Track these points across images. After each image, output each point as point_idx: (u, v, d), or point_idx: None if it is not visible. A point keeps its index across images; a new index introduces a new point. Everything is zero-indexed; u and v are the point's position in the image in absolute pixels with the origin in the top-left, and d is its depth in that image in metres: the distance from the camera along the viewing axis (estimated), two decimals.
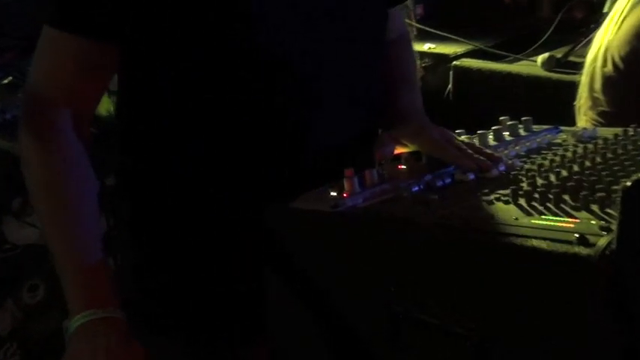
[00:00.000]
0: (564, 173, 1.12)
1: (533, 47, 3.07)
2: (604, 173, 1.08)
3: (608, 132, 1.33)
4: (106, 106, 2.08)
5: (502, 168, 1.20)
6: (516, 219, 0.98)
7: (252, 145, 1.25)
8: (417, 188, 1.15)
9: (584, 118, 2.14)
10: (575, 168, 1.14)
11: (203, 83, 1.22)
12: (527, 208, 1.02)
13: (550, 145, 1.31)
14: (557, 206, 1.01)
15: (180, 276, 1.32)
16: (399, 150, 1.31)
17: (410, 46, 1.55)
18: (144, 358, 1.19)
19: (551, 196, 1.02)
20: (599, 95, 2.09)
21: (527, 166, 1.19)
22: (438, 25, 3.20)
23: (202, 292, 1.32)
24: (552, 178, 1.11)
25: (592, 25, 2.35)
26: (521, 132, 1.37)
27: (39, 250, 2.25)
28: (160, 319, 1.36)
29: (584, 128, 1.36)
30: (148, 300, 1.37)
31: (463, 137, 1.31)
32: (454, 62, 3.00)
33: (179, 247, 1.32)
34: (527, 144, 1.30)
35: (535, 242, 0.92)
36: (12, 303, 2.28)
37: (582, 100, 2.16)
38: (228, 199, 1.27)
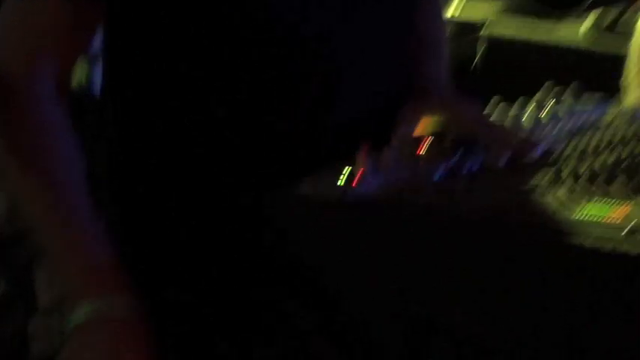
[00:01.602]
0: (611, 159, 1.12)
1: (575, 10, 3.05)
2: None
3: None
4: (77, 75, 2.07)
5: (539, 152, 1.20)
6: (556, 212, 0.99)
7: (264, 123, 1.26)
8: (440, 175, 1.16)
9: (633, 96, 2.14)
10: (625, 153, 1.14)
11: (213, 62, 1.24)
12: (569, 199, 1.02)
13: (595, 126, 1.31)
14: (603, 196, 1.01)
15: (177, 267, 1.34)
16: (419, 129, 1.31)
17: (437, 6, 1.54)
18: None
19: (596, 186, 1.02)
20: None
21: (568, 151, 1.20)
22: None
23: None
24: (598, 164, 1.11)
25: None
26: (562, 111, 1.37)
27: None
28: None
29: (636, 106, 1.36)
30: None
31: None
32: (482, 30, 2.99)
33: (179, 233, 1.32)
34: (569, 124, 1.31)
35: (578, 238, 0.92)
36: None
37: (632, 75, 2.15)
38: (238, 182, 1.28)
